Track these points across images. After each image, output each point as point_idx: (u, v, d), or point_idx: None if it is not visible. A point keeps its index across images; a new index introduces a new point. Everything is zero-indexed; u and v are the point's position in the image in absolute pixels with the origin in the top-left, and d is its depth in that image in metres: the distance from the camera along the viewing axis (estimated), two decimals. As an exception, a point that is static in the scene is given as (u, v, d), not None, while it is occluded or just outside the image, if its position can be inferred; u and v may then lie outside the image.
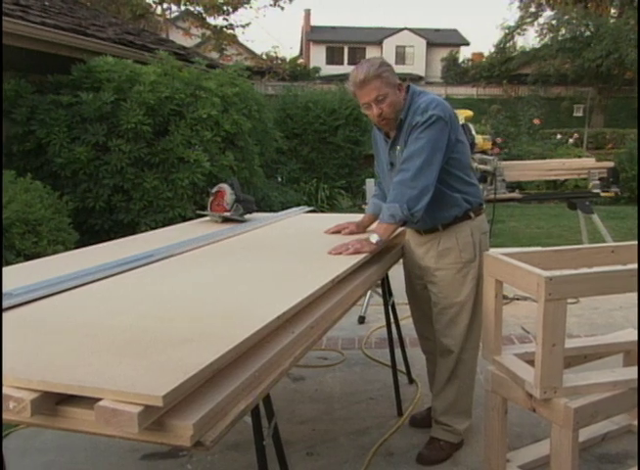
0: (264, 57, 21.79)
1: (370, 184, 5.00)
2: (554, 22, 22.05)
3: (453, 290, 2.56)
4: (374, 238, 2.40)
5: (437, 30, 36.68)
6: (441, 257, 2.55)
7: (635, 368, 2.38)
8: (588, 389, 2.13)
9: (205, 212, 3.26)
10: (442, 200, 2.49)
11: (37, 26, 5.21)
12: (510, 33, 24.49)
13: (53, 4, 7.14)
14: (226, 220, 3.11)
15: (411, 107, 2.45)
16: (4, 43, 4.97)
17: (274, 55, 22.55)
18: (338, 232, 2.74)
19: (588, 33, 20.67)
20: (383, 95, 2.37)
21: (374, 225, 2.67)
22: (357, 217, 2.88)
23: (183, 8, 16.28)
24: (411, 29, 35.16)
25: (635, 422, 2.80)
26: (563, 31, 21.33)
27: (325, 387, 3.37)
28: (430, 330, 2.76)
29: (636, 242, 2.60)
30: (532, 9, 24.55)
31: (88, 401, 1.16)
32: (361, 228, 2.77)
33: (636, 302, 2.18)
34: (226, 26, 16.37)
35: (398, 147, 2.50)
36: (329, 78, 21.99)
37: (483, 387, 2.38)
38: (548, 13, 23.78)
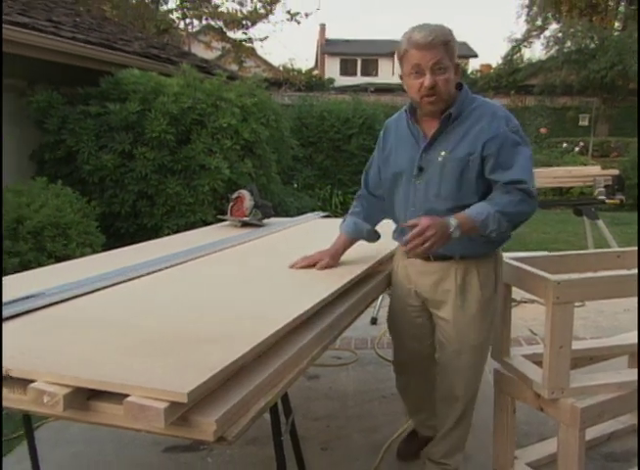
0: (281, 69, 21.83)
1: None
2: (560, 34, 21.87)
3: (470, 331, 2.12)
4: (455, 229, 1.83)
5: (447, 43, 36.52)
6: (460, 292, 2.08)
7: (640, 370, 2.36)
8: (594, 389, 2.12)
9: (225, 217, 3.27)
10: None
11: (69, 41, 5.26)
12: (517, 46, 24.30)
13: (83, 20, 7.20)
14: (245, 225, 3.12)
15: (466, 104, 1.98)
16: (37, 57, 5.03)
17: (290, 67, 22.59)
18: (309, 267, 2.16)
19: (593, 46, 20.48)
20: (443, 66, 1.87)
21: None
22: (327, 244, 2.28)
23: (204, 23, 16.37)
24: (422, 42, 34.98)
25: (640, 422, 2.78)
26: (568, 44, 21.14)
27: (339, 385, 3.37)
28: (417, 366, 2.40)
29: (641, 248, 2.59)
30: (539, 22, 24.43)
31: (117, 397, 1.17)
32: (337, 258, 2.22)
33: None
34: (245, 40, 16.41)
35: (443, 153, 1.95)
36: (343, 89, 21.97)
37: (493, 387, 2.37)
38: (554, 26, 23.63)
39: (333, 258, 2.19)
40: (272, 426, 1.54)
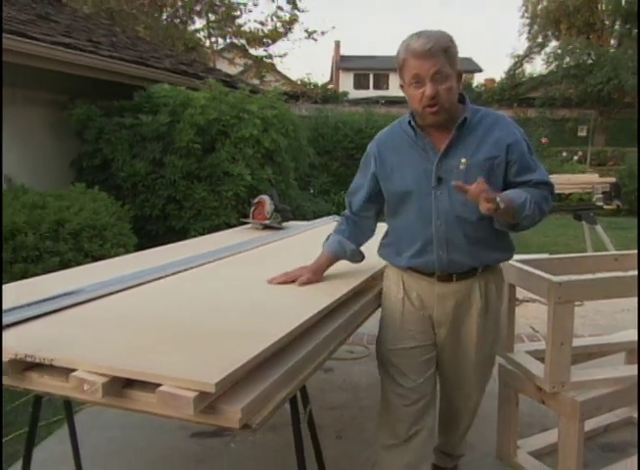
0: (299, 83, 21.84)
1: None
2: (559, 51, 21.74)
3: (488, 345, 1.98)
4: (500, 200, 1.60)
5: (453, 59, 36.30)
6: (482, 308, 1.90)
7: (636, 366, 2.34)
8: (593, 384, 2.10)
9: (247, 220, 3.27)
10: (498, 238, 1.87)
11: (106, 59, 5.32)
12: (519, 61, 24.17)
13: (119, 40, 7.28)
14: (266, 228, 3.12)
15: (477, 111, 1.82)
16: (78, 74, 5.09)
17: (308, 81, 22.59)
18: (289, 282, 1.93)
19: (590, 61, 20.33)
20: (444, 74, 1.66)
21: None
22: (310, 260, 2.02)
23: (229, 41, 16.45)
24: (430, 58, 34.73)
25: (635, 414, 2.74)
26: (567, 59, 21.00)
27: (352, 377, 3.35)
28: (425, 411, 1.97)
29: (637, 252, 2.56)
30: (540, 39, 24.29)
31: (150, 386, 1.18)
32: (319, 275, 1.97)
33: (636, 305, 2.14)
34: (266, 57, 16.45)
35: (463, 159, 1.74)
36: (356, 102, 21.90)
37: (497, 380, 2.36)
38: (554, 43, 23.50)
39: (315, 274, 1.95)
40: (292, 415, 1.54)
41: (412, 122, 1.81)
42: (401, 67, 1.72)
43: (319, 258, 1.99)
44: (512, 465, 2.36)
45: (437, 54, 1.63)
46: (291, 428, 1.57)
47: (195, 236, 4.62)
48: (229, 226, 4.80)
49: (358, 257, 2.07)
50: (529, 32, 24.61)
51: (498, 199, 1.59)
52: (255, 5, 17.98)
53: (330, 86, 28.02)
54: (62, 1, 9.63)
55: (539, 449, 2.46)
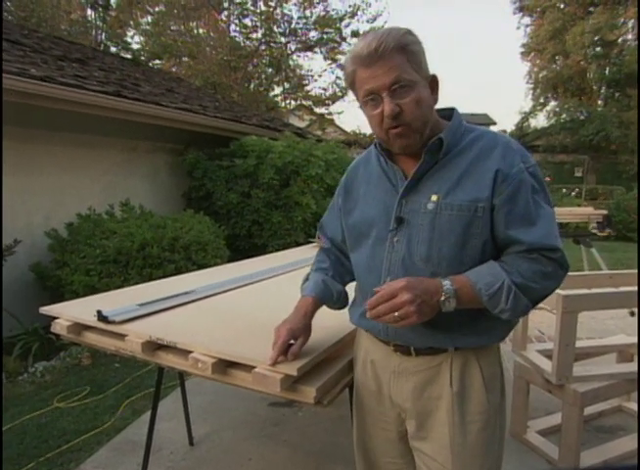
0: (352, 133, 21.92)
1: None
2: (557, 109, 21.30)
3: (472, 458, 1.04)
4: (449, 299, 0.93)
5: (473, 114, 35.68)
6: (458, 402, 1.04)
7: (628, 364, 2.21)
8: (591, 378, 2.00)
9: (313, 240, 3.28)
10: (478, 318, 1.01)
11: (211, 118, 5.50)
12: (526, 117, 23.67)
13: (220, 104, 7.53)
14: (328, 246, 3.10)
15: (460, 132, 1.03)
16: (191, 129, 5.26)
17: (358, 131, 22.68)
18: (283, 353, 1.12)
19: (582, 117, 19.71)
20: (407, 83, 0.93)
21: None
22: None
23: (299, 102, 16.83)
24: (453, 114, 34.09)
25: (625, 403, 2.58)
26: (564, 116, 20.45)
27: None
28: None
29: (628, 271, 2.44)
30: (542, 100, 23.76)
31: (247, 367, 1.18)
32: (310, 332, 1.17)
33: (623, 314, 2.02)
34: (327, 114, 16.69)
35: (434, 197, 0.98)
36: (394, 148, 21.71)
37: (512, 373, 2.26)
38: (553, 103, 22.96)
39: (306, 333, 1.16)
40: (349, 395, 1.50)
41: (377, 146, 1.09)
42: (352, 82, 1.00)
43: (302, 307, 1.17)
44: (523, 441, 2.24)
45: (391, 55, 0.92)
46: (344, 404, 1.54)
47: (272, 251, 4.65)
48: (298, 244, 4.83)
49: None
50: (533, 94, 24.06)
51: (448, 292, 0.92)
52: (320, 76, 18.34)
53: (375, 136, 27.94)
54: (181, 78, 10.16)
55: (545, 429, 2.35)
